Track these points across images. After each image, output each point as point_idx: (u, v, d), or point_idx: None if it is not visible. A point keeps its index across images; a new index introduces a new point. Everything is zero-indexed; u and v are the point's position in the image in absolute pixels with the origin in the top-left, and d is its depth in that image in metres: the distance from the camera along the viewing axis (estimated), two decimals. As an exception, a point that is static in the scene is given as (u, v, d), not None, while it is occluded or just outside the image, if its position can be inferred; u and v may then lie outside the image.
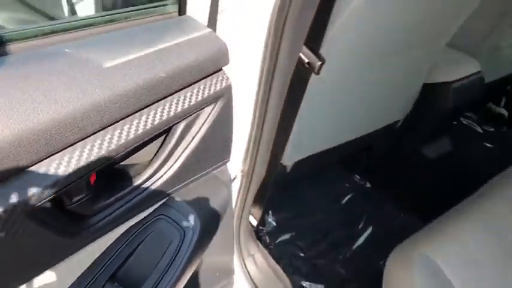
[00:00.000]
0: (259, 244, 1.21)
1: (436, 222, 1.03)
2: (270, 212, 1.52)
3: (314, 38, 0.73)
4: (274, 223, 1.50)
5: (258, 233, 1.41)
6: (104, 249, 0.51)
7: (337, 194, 1.65)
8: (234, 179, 0.90)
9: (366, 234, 1.49)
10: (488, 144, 2.03)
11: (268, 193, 1.09)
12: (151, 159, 0.52)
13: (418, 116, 1.42)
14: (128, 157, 0.51)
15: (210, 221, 0.61)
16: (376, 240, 1.47)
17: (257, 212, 1.21)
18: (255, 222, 1.24)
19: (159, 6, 0.50)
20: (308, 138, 1.16)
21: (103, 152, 0.41)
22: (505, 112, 2.18)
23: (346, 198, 1.64)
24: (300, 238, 1.45)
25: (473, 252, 0.96)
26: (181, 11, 0.51)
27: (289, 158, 1.19)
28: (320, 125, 1.15)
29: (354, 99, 1.14)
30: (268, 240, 1.43)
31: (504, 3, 1.40)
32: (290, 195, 1.58)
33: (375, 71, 1.08)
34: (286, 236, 1.45)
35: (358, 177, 1.71)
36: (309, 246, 1.43)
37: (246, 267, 1.13)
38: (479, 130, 2.13)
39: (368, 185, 1.68)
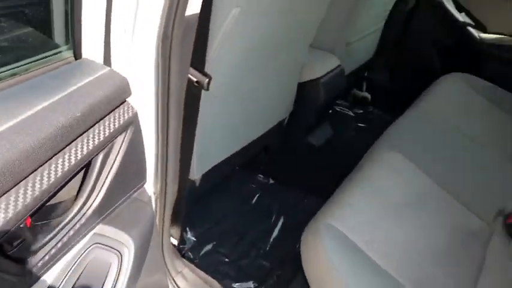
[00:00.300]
0: (185, 261, 1.24)
1: (334, 196, 1.20)
2: (188, 228, 1.56)
3: (198, 60, 0.82)
4: (193, 238, 1.54)
5: (181, 251, 1.44)
6: (47, 286, 0.52)
7: (246, 195, 1.76)
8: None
9: (279, 225, 1.63)
10: (360, 124, 2.36)
11: (183, 211, 1.14)
12: (77, 193, 0.55)
13: (299, 111, 1.61)
14: (55, 195, 0.53)
15: (142, 240, 0.65)
16: (289, 227, 1.61)
17: (176, 231, 1.25)
18: (175, 242, 1.28)
19: (55, 53, 0.53)
20: (210, 150, 1.25)
21: (36, 194, 0.44)
22: (368, 95, 2.55)
23: (255, 198, 1.76)
24: (221, 245, 1.52)
25: (367, 214, 1.14)
26: (77, 55, 0.55)
27: (196, 172, 1.26)
28: (218, 136, 1.24)
29: (243, 106, 1.26)
30: (192, 256, 1.47)
31: (348, 9, 1.68)
32: (203, 207, 1.64)
33: (256, 78, 1.22)
34: (209, 247, 1.51)
35: (261, 176, 1.84)
36: (231, 250, 1.51)
37: (177, 285, 1.16)
38: (351, 113, 2.46)
39: (271, 181, 1.83)
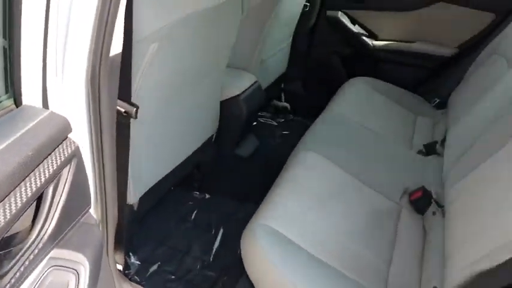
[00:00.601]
0: (133, 283, 1.29)
1: (265, 199, 1.32)
2: (131, 253, 1.59)
3: (125, 92, 0.90)
4: (138, 262, 1.57)
5: (127, 276, 1.47)
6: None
7: (185, 213, 1.83)
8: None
9: (219, 236, 1.72)
10: (284, 132, 2.55)
11: (124, 236, 1.19)
12: (33, 222, 0.60)
13: (225, 127, 1.74)
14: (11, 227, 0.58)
15: (94, 258, 0.71)
16: (229, 236, 1.71)
17: (119, 257, 1.28)
18: (120, 267, 1.31)
19: (-3, 104, 0.59)
20: (144, 173, 1.31)
21: (2, 225, 0.49)
22: (287, 105, 2.76)
23: (194, 214, 1.84)
24: (167, 264, 1.57)
25: (295, 210, 1.27)
26: (17, 102, 0.61)
27: (133, 197, 1.32)
28: (151, 159, 1.31)
29: (172, 129, 1.35)
30: (139, 279, 1.51)
31: (257, 31, 1.86)
32: (145, 230, 1.68)
33: (180, 102, 1.32)
34: (154, 267, 1.55)
35: (197, 193, 1.93)
36: (176, 267, 1.57)
37: (128, 307, 1.20)
38: (274, 123, 2.65)
39: (207, 196, 1.92)
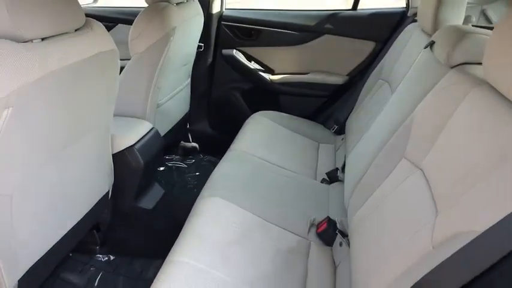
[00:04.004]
0: None
1: (169, 255, 1.21)
2: None
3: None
4: None
5: None
6: None
7: (90, 278, 1.66)
8: None
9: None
10: (195, 173, 2.48)
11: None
12: None
13: (122, 179, 1.61)
14: None
15: None
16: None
17: None
18: None
19: None
20: (23, 253, 1.14)
21: None
22: (196, 145, 2.70)
23: (97, 279, 1.66)
24: None
25: (197, 268, 1.18)
26: None
27: (9, 283, 1.13)
28: (26, 235, 1.14)
29: (50, 198, 1.19)
30: None
31: (148, 77, 1.80)
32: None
33: (58, 166, 1.17)
34: None
35: (99, 256, 1.75)
36: None
37: None
38: (184, 165, 2.56)
39: (112, 257, 1.75)
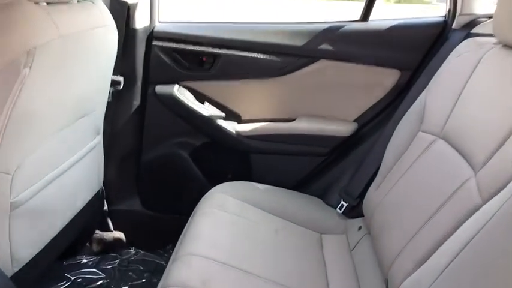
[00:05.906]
0: None
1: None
2: None
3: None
4: None
5: None
6: None
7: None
8: None
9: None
10: None
11: None
12: None
13: None
14: None
15: None
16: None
17: None
18: None
19: None
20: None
21: None
22: (120, 234, 1.75)
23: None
24: None
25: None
26: None
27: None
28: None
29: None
30: None
31: None
32: None
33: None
34: None
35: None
36: None
37: None
38: (100, 273, 1.59)
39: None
